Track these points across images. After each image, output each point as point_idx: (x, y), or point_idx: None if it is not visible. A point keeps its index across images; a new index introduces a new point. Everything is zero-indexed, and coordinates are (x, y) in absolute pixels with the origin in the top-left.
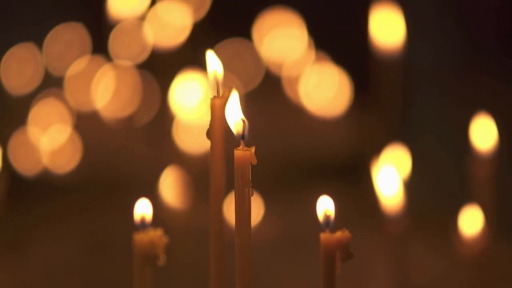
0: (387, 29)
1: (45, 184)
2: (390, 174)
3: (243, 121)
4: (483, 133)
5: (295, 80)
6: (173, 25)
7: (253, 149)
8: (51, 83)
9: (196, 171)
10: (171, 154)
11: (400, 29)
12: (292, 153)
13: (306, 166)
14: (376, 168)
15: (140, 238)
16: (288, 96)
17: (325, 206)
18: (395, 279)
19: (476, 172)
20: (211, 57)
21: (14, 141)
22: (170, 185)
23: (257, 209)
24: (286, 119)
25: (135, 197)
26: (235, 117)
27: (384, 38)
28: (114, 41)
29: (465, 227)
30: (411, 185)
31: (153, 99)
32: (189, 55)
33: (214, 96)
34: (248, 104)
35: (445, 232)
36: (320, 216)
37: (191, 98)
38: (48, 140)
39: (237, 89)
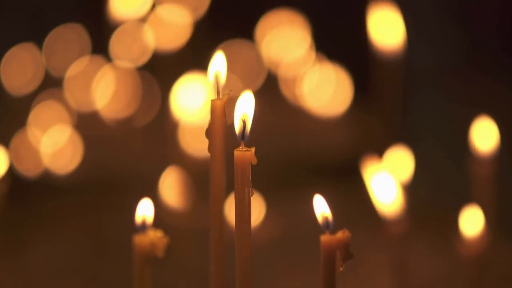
0: (387, 29)
1: (46, 185)
2: (386, 181)
3: (243, 121)
4: (484, 133)
5: (295, 80)
6: (173, 26)
7: (253, 150)
8: (51, 84)
9: (197, 171)
10: (172, 155)
11: (400, 29)
12: (292, 153)
13: (306, 166)
14: (370, 174)
15: (141, 239)
16: (289, 96)
17: (320, 208)
18: (395, 279)
19: (476, 172)
20: (219, 59)
21: (15, 142)
22: (170, 186)
23: (257, 209)
24: (286, 119)
25: (136, 197)
26: (242, 115)
27: (384, 38)
28: (115, 42)
29: (466, 227)
30: (412, 185)
31: (153, 100)
32: (189, 56)
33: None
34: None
35: (445, 232)
36: (318, 218)
37: (191, 99)
38: (49, 141)
39: (238, 90)
